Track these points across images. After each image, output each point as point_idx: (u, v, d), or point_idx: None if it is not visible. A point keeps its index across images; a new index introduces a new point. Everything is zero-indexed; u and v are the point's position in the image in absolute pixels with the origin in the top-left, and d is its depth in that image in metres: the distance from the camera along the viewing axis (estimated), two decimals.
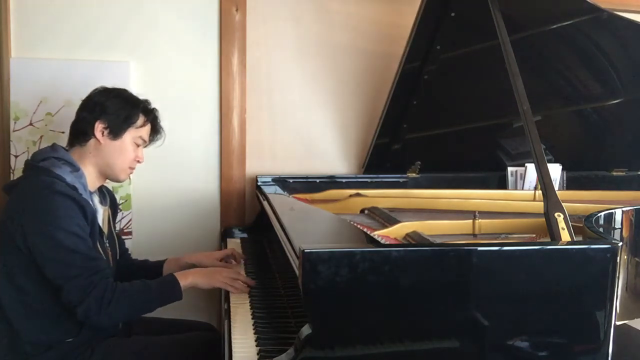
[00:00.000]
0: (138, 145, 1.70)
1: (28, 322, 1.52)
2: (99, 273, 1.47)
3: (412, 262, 1.15)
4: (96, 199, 1.68)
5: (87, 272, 1.45)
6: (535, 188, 2.29)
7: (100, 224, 1.66)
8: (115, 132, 1.63)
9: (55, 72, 2.15)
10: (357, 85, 2.49)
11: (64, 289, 1.44)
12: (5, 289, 1.52)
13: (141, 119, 1.68)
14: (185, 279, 1.59)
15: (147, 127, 1.71)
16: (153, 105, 1.74)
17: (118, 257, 1.79)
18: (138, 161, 1.71)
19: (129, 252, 1.96)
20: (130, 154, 1.67)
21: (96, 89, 1.69)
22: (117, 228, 2.21)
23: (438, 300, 1.17)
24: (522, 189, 2.41)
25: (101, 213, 1.68)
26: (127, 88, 1.72)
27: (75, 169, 1.59)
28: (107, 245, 1.69)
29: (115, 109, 1.63)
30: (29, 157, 1.63)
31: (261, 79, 2.40)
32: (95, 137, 1.62)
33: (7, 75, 2.13)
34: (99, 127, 1.62)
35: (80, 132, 1.64)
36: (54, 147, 1.63)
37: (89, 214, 1.53)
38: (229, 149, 2.36)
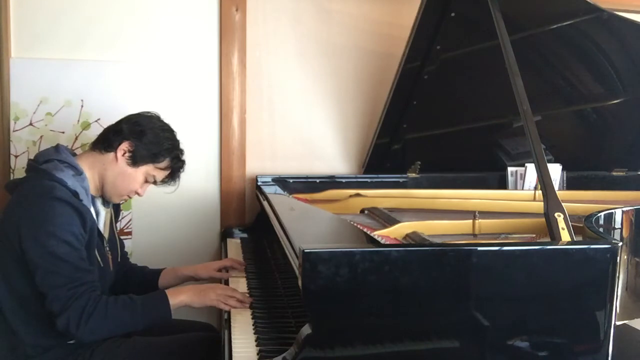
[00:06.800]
0: (146, 181, 1.65)
1: (27, 324, 1.51)
2: (85, 285, 1.43)
3: (412, 262, 1.15)
4: (98, 201, 1.65)
5: (72, 282, 1.41)
6: (535, 188, 2.29)
7: (102, 226, 1.64)
8: (135, 160, 1.59)
9: (55, 72, 2.15)
10: (357, 85, 2.49)
11: (48, 297, 1.40)
12: (3, 292, 1.50)
13: (165, 163, 1.63)
14: (177, 297, 1.52)
15: (167, 172, 1.66)
16: (184, 157, 1.69)
17: (119, 260, 1.77)
18: (137, 193, 1.66)
19: (128, 255, 1.93)
20: (135, 185, 1.63)
21: (151, 113, 1.65)
22: (117, 228, 2.22)
23: (438, 300, 1.17)
24: (522, 189, 2.41)
25: (103, 215, 1.67)
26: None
27: (78, 172, 1.55)
28: (108, 249, 1.67)
29: (149, 140, 1.59)
30: (32, 158, 1.58)
31: (261, 79, 2.41)
32: (115, 153, 1.59)
33: (7, 75, 2.13)
34: (124, 146, 1.58)
35: (108, 140, 1.60)
36: (57, 148, 1.58)
37: (88, 222, 1.49)
38: (229, 149, 2.36)
